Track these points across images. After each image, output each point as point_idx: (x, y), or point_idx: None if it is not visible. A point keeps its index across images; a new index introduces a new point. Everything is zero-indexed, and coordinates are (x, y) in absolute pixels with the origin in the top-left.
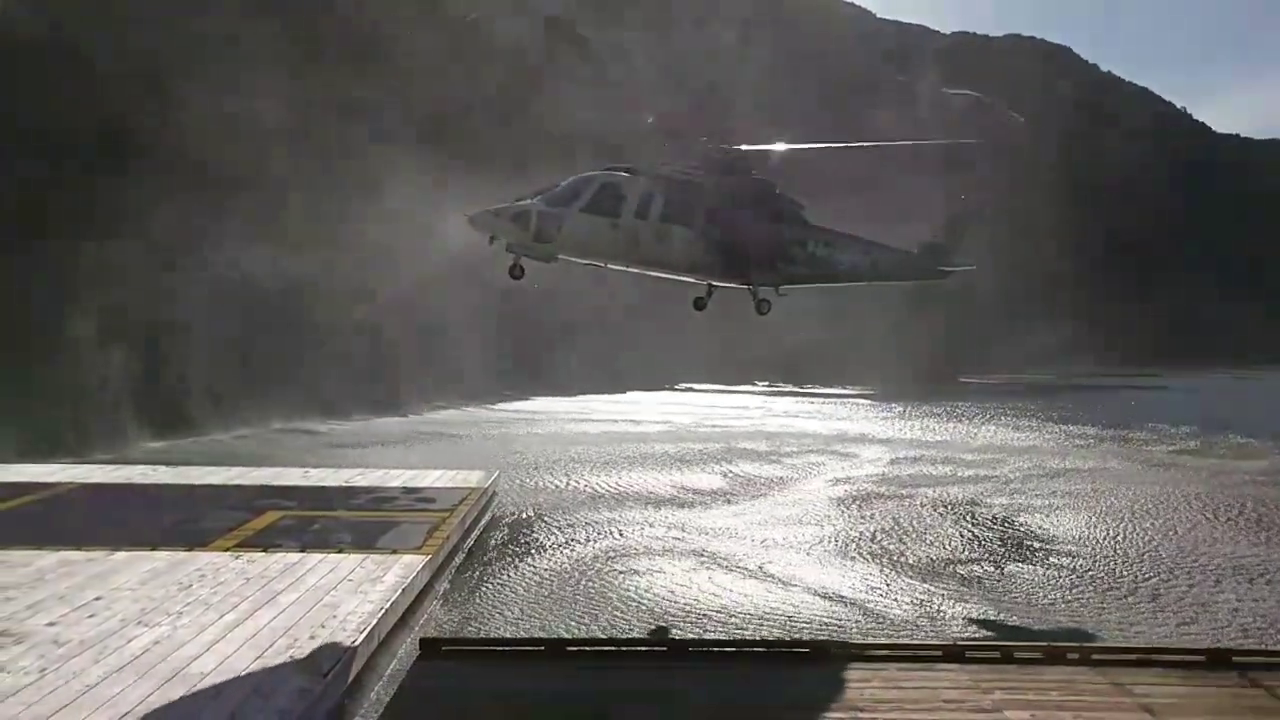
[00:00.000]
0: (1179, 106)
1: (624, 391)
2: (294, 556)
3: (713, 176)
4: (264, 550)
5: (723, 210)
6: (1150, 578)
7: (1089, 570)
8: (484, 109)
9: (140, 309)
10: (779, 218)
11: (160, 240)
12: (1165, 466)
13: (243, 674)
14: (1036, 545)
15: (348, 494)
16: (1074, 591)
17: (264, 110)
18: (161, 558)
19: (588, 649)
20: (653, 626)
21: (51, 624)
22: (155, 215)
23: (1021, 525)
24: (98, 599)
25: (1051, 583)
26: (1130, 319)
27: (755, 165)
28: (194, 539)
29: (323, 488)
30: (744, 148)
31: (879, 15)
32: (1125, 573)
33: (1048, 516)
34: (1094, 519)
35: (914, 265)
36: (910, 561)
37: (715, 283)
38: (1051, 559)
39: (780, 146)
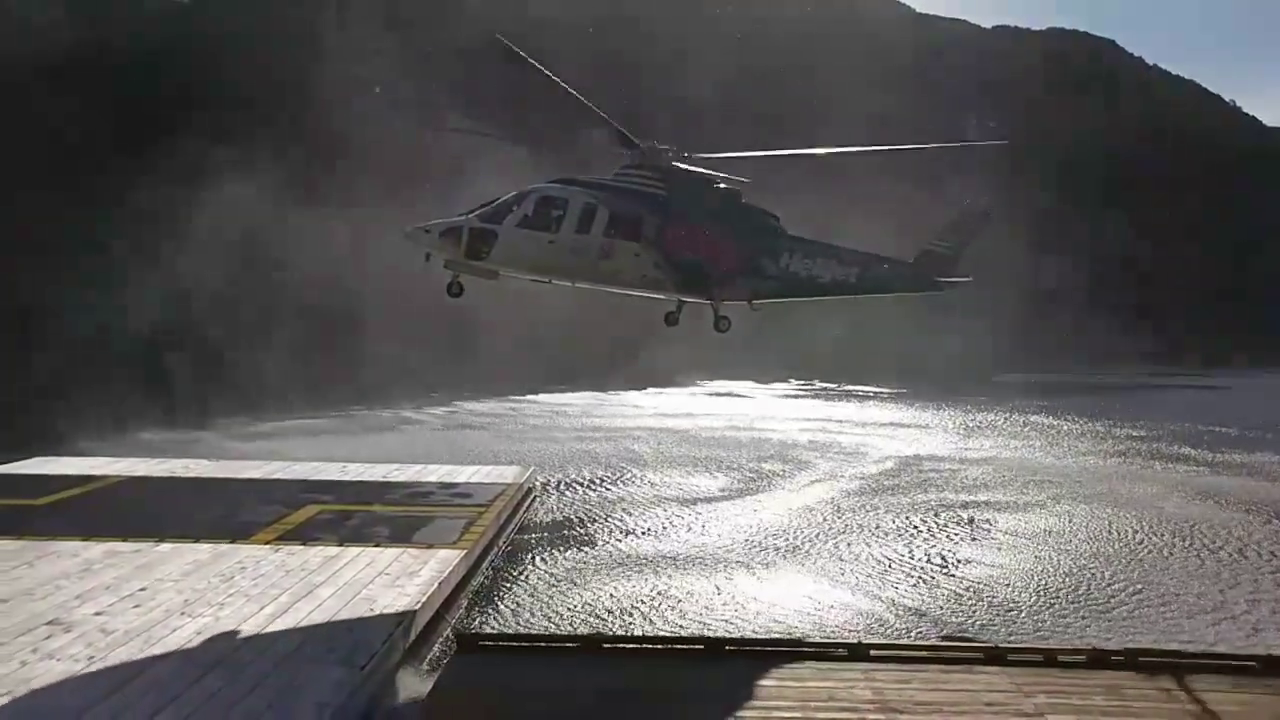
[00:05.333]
0: (1228, 100)
1: (645, 388)
2: (332, 550)
3: (669, 187)
4: (303, 543)
5: (677, 223)
6: (1217, 585)
7: (1140, 573)
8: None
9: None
10: (746, 229)
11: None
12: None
13: (282, 665)
14: (1083, 546)
15: (385, 489)
16: (1122, 594)
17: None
18: (204, 550)
19: (624, 646)
20: (689, 624)
21: (99, 613)
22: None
23: (1060, 526)
24: (143, 589)
25: (1096, 585)
26: (1175, 319)
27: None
28: (236, 532)
29: (360, 482)
30: (704, 168)
31: (919, 10)
32: (1182, 576)
33: (1095, 519)
34: (1149, 522)
35: (907, 276)
36: (950, 561)
37: (676, 298)
38: (1098, 560)
39: (751, 154)
